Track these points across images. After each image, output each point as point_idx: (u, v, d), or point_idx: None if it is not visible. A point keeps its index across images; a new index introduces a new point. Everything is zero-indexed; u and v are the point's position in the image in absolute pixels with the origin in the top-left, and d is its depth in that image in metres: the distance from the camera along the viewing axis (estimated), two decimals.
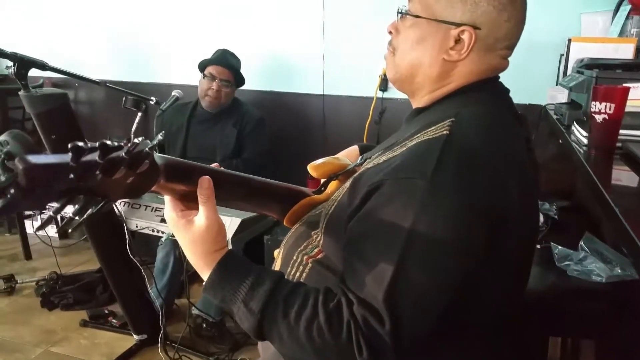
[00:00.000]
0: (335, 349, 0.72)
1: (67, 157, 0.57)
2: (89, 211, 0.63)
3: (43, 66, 1.71)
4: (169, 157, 0.77)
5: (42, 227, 0.63)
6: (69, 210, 0.62)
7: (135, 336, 2.35)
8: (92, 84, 1.93)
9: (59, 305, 2.68)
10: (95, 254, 2.19)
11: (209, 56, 2.67)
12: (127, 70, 3.20)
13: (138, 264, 2.07)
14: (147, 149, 0.65)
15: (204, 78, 2.61)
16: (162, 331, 2.13)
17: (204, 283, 0.82)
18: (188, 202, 0.81)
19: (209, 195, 0.79)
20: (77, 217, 0.62)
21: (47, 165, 0.55)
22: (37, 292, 2.79)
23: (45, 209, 0.60)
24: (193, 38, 2.99)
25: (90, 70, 2.01)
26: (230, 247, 1.99)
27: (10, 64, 1.65)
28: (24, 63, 1.65)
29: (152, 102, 2.11)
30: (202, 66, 2.63)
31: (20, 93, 1.70)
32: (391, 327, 0.70)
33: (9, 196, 0.53)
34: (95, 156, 0.59)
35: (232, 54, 2.68)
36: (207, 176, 0.79)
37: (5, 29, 3.37)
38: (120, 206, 2.12)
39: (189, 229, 0.80)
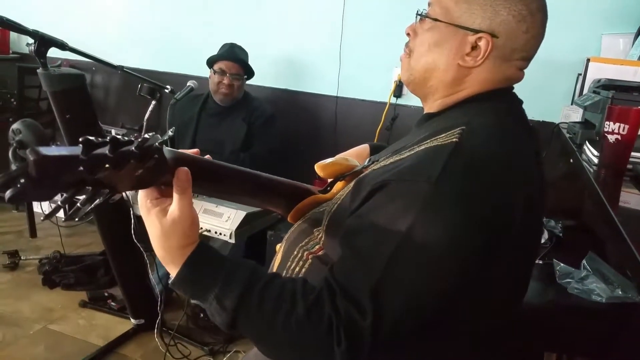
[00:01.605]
0: (313, 339, 0.71)
1: (77, 150, 0.58)
2: (96, 201, 0.64)
3: (63, 46, 1.72)
4: (179, 151, 0.76)
5: (49, 216, 0.64)
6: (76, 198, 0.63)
7: (132, 320, 2.37)
8: (108, 68, 1.95)
9: (60, 284, 2.71)
10: (100, 237, 2.21)
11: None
12: (144, 57, 3.23)
13: (141, 249, 2.09)
14: (157, 143, 0.66)
15: (214, 74, 2.63)
16: (159, 317, 2.15)
17: (171, 277, 0.77)
18: (165, 189, 0.76)
19: (186, 187, 0.73)
20: (84, 207, 0.63)
21: (58, 157, 0.56)
22: (40, 269, 2.82)
23: (52, 198, 0.61)
24: (212, 31, 3.01)
25: (107, 55, 2.03)
26: (234, 240, 2.01)
27: (31, 41, 1.67)
28: (44, 41, 1.67)
29: (167, 91, 2.13)
30: (211, 62, 2.65)
31: (38, 71, 1.72)
32: (372, 321, 0.69)
33: (18, 185, 0.54)
34: (105, 150, 0.60)
35: (240, 47, 2.70)
36: (186, 168, 0.73)
37: (26, 11, 3.41)
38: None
39: (161, 219, 0.74)
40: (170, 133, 0.77)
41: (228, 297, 0.73)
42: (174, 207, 0.73)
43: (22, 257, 2.91)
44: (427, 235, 0.72)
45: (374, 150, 1.14)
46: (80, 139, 0.58)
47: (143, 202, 0.76)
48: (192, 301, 0.79)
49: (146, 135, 0.64)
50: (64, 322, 2.43)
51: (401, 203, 0.74)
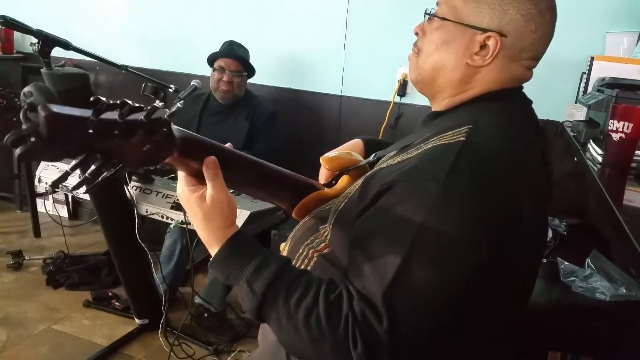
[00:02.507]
0: (331, 339, 0.72)
1: (88, 112, 0.58)
2: (104, 174, 0.64)
3: (67, 45, 1.73)
4: (187, 130, 0.78)
5: (57, 182, 0.64)
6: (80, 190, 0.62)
7: (137, 320, 2.37)
8: (112, 68, 1.95)
9: (64, 284, 2.72)
10: (104, 236, 2.22)
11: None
12: (148, 57, 3.23)
13: (145, 249, 2.09)
14: (165, 116, 0.66)
15: (214, 71, 2.64)
16: (163, 317, 2.15)
17: (210, 259, 0.83)
18: (200, 179, 0.83)
19: (216, 173, 0.81)
20: (92, 178, 0.63)
21: (68, 116, 0.57)
22: (44, 269, 2.83)
23: (61, 160, 0.61)
24: (216, 30, 3.01)
25: (111, 55, 2.03)
26: None
27: (35, 40, 1.68)
28: (48, 41, 1.67)
29: (171, 90, 2.13)
30: (211, 60, 2.66)
31: (42, 70, 1.72)
32: (389, 325, 0.70)
33: (29, 143, 0.54)
34: (115, 115, 0.60)
35: (240, 45, 2.70)
36: (213, 156, 0.81)
37: (30, 10, 3.42)
38: (131, 190, 2.15)
39: (201, 204, 0.82)
40: (179, 105, 0.78)
41: (259, 281, 0.77)
42: (211, 192, 0.81)
43: (26, 257, 2.92)
44: (437, 237, 0.72)
45: (368, 144, 1.15)
46: (91, 98, 0.58)
47: (183, 190, 0.84)
48: (226, 282, 0.84)
49: (155, 104, 0.65)
50: (68, 322, 2.44)
51: (410, 204, 0.74)
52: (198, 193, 0.82)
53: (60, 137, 0.56)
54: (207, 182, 0.81)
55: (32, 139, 0.54)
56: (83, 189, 0.66)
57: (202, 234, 0.84)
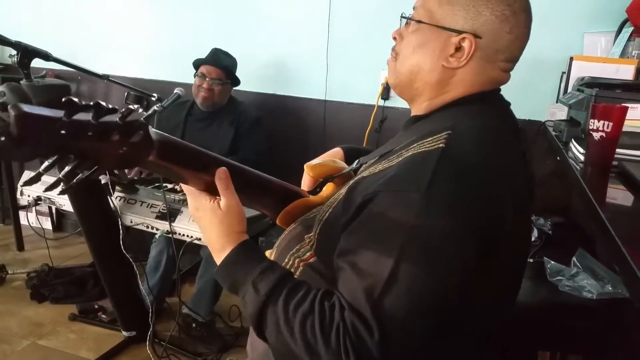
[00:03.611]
0: (324, 347, 0.72)
1: (60, 112, 0.57)
2: (79, 175, 0.63)
3: (47, 56, 1.71)
4: (165, 134, 0.78)
5: (29, 182, 0.63)
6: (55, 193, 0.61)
7: (124, 332, 2.34)
8: (94, 77, 1.93)
9: (49, 298, 2.67)
10: (88, 248, 2.19)
11: None
12: (130, 65, 3.21)
13: (131, 260, 2.07)
14: (142, 119, 0.66)
15: (196, 77, 2.63)
16: (151, 329, 2.13)
17: (219, 263, 0.86)
18: (210, 192, 0.88)
19: (227, 184, 0.86)
20: (66, 179, 0.62)
21: (40, 116, 0.56)
22: (28, 284, 2.78)
23: (32, 160, 0.60)
24: (198, 37, 3.00)
25: (92, 64, 2.01)
26: None
27: (14, 52, 1.65)
28: (27, 52, 1.65)
29: (153, 99, 2.11)
30: (196, 66, 2.65)
31: (22, 82, 1.70)
32: (380, 337, 0.70)
33: None
34: (89, 116, 0.59)
35: (226, 53, 2.69)
36: (224, 167, 0.86)
37: (10, 19, 3.38)
38: (115, 201, 2.12)
39: (216, 210, 0.87)
40: (155, 108, 0.77)
41: (264, 281, 0.79)
42: (224, 199, 0.87)
43: (9, 272, 2.87)
44: (423, 246, 0.72)
45: (348, 152, 1.15)
46: (62, 99, 0.57)
47: (198, 199, 0.89)
48: (230, 293, 0.86)
49: (130, 106, 0.64)
50: (53, 337, 2.39)
51: (394, 215, 0.74)
52: (214, 202, 0.87)
53: (32, 137, 0.55)
54: (221, 193, 0.86)
55: (2, 138, 0.54)
56: (58, 189, 0.64)
57: (216, 239, 0.87)
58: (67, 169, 0.62)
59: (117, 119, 0.62)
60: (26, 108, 0.55)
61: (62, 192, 0.65)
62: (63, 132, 0.57)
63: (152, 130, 0.72)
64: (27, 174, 2.44)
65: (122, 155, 0.66)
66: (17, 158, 0.60)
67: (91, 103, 0.59)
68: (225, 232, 0.86)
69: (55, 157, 0.60)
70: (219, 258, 0.87)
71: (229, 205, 0.86)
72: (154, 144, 0.72)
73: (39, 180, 0.61)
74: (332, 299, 0.76)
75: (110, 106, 0.61)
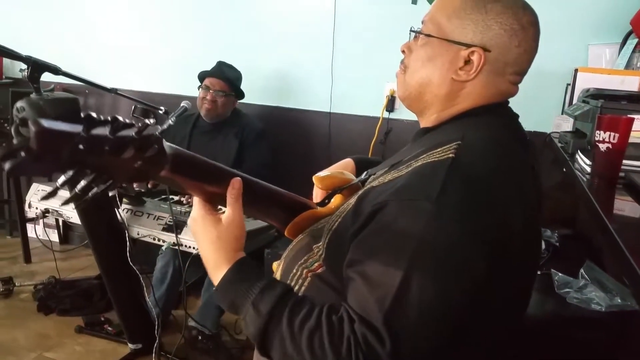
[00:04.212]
0: None
1: (79, 127, 0.58)
2: (94, 190, 0.63)
3: (56, 70, 1.73)
4: (179, 147, 0.78)
5: (48, 196, 0.63)
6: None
7: (130, 345, 2.34)
8: (102, 91, 1.95)
9: (56, 310, 2.68)
10: (95, 260, 2.19)
11: None
12: (137, 79, 3.24)
13: (137, 272, 2.07)
14: (157, 133, 0.66)
15: (200, 89, 2.67)
16: (157, 341, 2.12)
17: (217, 283, 0.84)
18: (213, 205, 0.87)
19: (238, 196, 0.85)
20: (82, 193, 0.63)
21: (59, 131, 0.56)
22: (35, 296, 2.79)
23: (51, 174, 0.61)
24: (205, 51, 3.03)
25: (100, 77, 2.03)
26: None
27: (24, 66, 1.67)
28: (37, 66, 1.67)
29: (161, 112, 2.13)
30: (201, 78, 2.69)
31: (32, 96, 1.72)
32: (392, 348, 0.69)
33: (18, 158, 0.54)
34: (106, 131, 0.60)
35: (229, 66, 2.72)
36: (239, 178, 0.85)
37: (20, 34, 3.42)
38: (122, 213, 2.13)
39: (216, 225, 0.85)
40: (170, 122, 0.78)
41: (264, 301, 0.78)
42: (229, 213, 0.85)
43: (16, 284, 2.88)
44: (433, 255, 0.72)
45: (359, 163, 1.15)
46: (82, 114, 0.58)
47: (199, 211, 0.87)
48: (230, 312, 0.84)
49: (147, 121, 0.64)
50: (60, 349, 2.40)
51: (404, 224, 0.74)
52: (215, 215, 0.86)
53: (51, 152, 0.56)
54: (229, 202, 0.85)
55: (22, 154, 0.54)
56: (73, 205, 0.65)
57: (212, 254, 0.86)
58: (82, 183, 0.62)
59: (134, 134, 0.63)
60: (46, 123, 0.55)
61: (77, 206, 0.66)
62: (81, 146, 0.58)
63: (166, 144, 0.73)
64: (35, 187, 2.46)
65: (136, 168, 0.66)
66: (35, 173, 0.61)
67: (109, 118, 0.60)
68: (222, 248, 0.85)
69: (72, 172, 0.60)
70: (213, 276, 0.85)
71: (232, 218, 0.85)
72: (167, 157, 0.73)
73: (56, 194, 0.62)
74: (339, 313, 0.75)
75: (127, 121, 0.61)
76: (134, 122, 0.63)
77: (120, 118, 0.61)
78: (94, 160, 0.60)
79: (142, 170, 0.68)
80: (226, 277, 0.84)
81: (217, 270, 0.85)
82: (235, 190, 0.85)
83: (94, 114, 0.58)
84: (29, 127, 0.54)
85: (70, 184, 0.61)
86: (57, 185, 0.61)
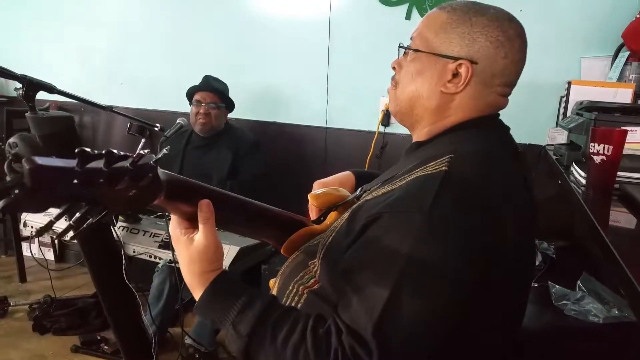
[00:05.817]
0: None
1: (73, 162, 0.58)
2: (89, 221, 0.63)
3: (51, 89, 1.73)
4: (173, 174, 0.78)
5: (41, 231, 0.63)
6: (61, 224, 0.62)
7: None
8: (97, 108, 1.96)
9: (51, 329, 2.65)
10: (90, 278, 2.17)
11: None
12: (132, 96, 3.25)
13: (134, 290, 2.05)
14: (151, 162, 0.66)
15: (192, 105, 2.70)
16: (154, 359, 2.10)
17: (196, 303, 0.83)
18: (192, 221, 0.84)
19: (208, 217, 0.82)
20: (76, 225, 0.63)
21: (53, 167, 0.56)
22: (30, 315, 2.76)
23: (45, 211, 0.60)
24: (199, 67, 3.03)
25: (95, 95, 2.04)
26: None
27: (19, 85, 1.68)
28: (32, 85, 1.67)
29: (156, 129, 2.13)
30: (190, 95, 2.72)
31: (27, 115, 1.72)
32: (379, 359, 0.69)
33: (12, 196, 0.54)
34: (100, 164, 0.60)
35: (216, 79, 2.76)
36: (207, 199, 0.82)
37: (14, 53, 3.44)
38: (118, 231, 2.12)
39: (189, 247, 0.83)
40: (165, 151, 0.78)
41: (243, 323, 0.76)
42: (200, 235, 0.82)
43: (11, 303, 2.85)
44: (424, 267, 0.72)
45: (359, 177, 1.16)
46: (76, 150, 0.58)
47: (174, 231, 0.85)
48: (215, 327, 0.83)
49: (141, 152, 0.64)
50: None
51: (396, 236, 0.74)
52: (188, 235, 0.83)
53: (45, 189, 0.56)
54: (199, 224, 0.82)
55: (16, 191, 0.54)
56: (70, 234, 0.65)
57: (187, 277, 0.85)
58: (77, 215, 0.62)
59: (128, 164, 0.63)
60: (40, 160, 0.55)
61: (72, 238, 0.66)
62: (75, 181, 0.58)
63: (161, 170, 0.73)
64: None
65: (131, 197, 0.66)
66: (29, 209, 0.60)
67: (103, 152, 0.60)
68: (195, 271, 0.83)
69: (67, 206, 0.60)
70: (195, 296, 0.84)
71: (201, 241, 0.82)
72: (162, 185, 0.73)
73: (50, 229, 0.61)
74: (325, 325, 0.75)
75: (122, 153, 0.61)
76: (128, 154, 0.63)
77: (115, 151, 0.60)
78: (88, 193, 0.60)
79: (137, 198, 0.68)
80: (202, 299, 0.82)
81: (194, 291, 0.84)
82: (203, 213, 0.81)
83: (87, 149, 0.58)
84: (22, 164, 0.54)
85: (65, 216, 0.61)
86: (52, 219, 0.61)
